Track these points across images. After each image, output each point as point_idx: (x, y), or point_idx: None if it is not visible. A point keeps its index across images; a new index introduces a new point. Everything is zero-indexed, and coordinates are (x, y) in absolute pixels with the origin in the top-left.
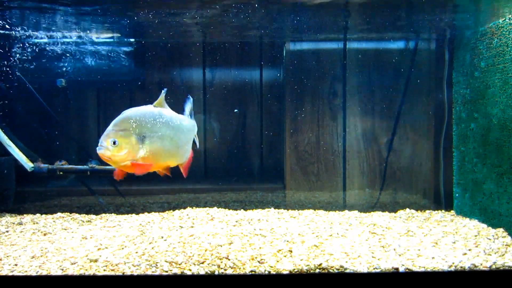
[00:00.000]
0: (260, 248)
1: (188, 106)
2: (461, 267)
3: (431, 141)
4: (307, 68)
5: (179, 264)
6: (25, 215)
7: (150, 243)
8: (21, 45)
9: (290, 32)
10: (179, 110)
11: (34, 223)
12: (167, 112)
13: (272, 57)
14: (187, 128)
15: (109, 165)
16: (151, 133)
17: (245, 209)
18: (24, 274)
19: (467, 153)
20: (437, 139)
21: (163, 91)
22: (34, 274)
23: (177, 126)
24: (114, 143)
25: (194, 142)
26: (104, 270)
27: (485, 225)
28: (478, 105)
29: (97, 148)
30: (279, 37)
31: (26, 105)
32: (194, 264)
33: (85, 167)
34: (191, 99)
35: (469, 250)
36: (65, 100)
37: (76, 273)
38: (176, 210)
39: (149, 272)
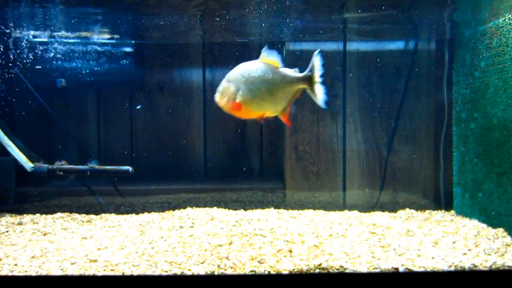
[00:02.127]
0: (260, 248)
1: (313, 62)
2: (461, 267)
3: (431, 141)
4: (307, 68)
5: (179, 264)
6: (25, 215)
7: (150, 243)
8: (21, 45)
9: (290, 32)
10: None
11: (34, 223)
12: (269, 66)
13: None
14: (288, 82)
15: (108, 165)
16: (244, 86)
17: (245, 209)
18: (24, 274)
19: (467, 153)
20: (437, 139)
21: (264, 48)
22: (34, 274)
23: (270, 80)
24: (219, 91)
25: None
26: (104, 270)
27: (485, 225)
28: (478, 105)
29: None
30: (279, 37)
31: (26, 105)
32: (194, 264)
33: (85, 167)
34: (319, 55)
35: (469, 250)
36: (65, 100)
37: (76, 273)
38: (176, 210)
39: (149, 272)
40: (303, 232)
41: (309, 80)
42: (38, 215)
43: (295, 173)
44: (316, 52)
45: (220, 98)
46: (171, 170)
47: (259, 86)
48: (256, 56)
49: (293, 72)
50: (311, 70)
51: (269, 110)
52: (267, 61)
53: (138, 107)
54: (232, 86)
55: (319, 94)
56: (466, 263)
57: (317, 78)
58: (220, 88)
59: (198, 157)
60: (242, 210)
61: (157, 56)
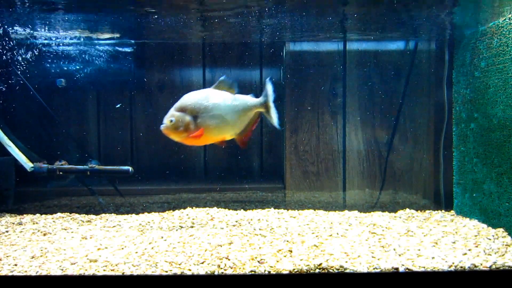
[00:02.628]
0: (260, 248)
1: (266, 88)
2: (461, 267)
3: (431, 141)
4: (307, 68)
5: (179, 264)
6: (25, 215)
7: (150, 243)
8: (21, 45)
9: (290, 32)
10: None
11: (34, 223)
12: (223, 94)
13: (272, 57)
14: (242, 107)
15: (108, 165)
16: (205, 113)
17: (245, 209)
18: (24, 274)
19: (467, 153)
20: (437, 139)
21: (222, 77)
22: (34, 274)
23: (231, 106)
24: (171, 121)
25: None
26: (104, 270)
27: (485, 225)
28: (478, 105)
29: (160, 126)
30: (279, 37)
31: (26, 105)
32: (194, 264)
33: (85, 167)
34: (270, 81)
35: (469, 250)
36: (65, 100)
37: (76, 273)
38: (176, 210)
39: (149, 272)
40: (303, 232)
41: (264, 105)
42: (38, 215)
43: (295, 173)
44: (267, 79)
45: (173, 128)
46: (171, 170)
47: (220, 112)
48: (256, 56)
49: (250, 98)
50: (266, 96)
51: (228, 134)
52: (223, 88)
53: (118, 105)
54: (187, 116)
55: (274, 117)
56: (466, 263)
57: (271, 102)
58: (170, 118)
59: (198, 157)
60: (242, 210)
61: (157, 56)
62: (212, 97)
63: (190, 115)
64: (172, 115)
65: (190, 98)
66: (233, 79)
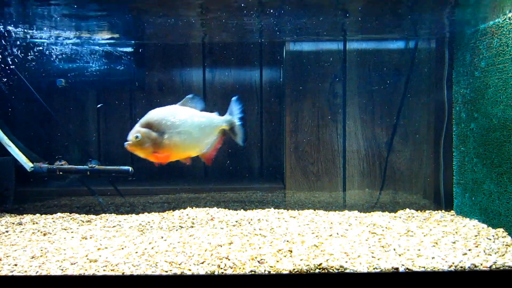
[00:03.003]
0: (260, 248)
1: (232, 106)
2: (461, 267)
3: (431, 141)
4: (307, 68)
5: (179, 264)
6: (25, 215)
7: (150, 243)
8: (21, 45)
9: (290, 32)
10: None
11: (34, 223)
12: (190, 110)
13: (272, 57)
14: (208, 124)
15: (108, 165)
16: (171, 130)
17: (245, 209)
18: (24, 274)
19: (467, 153)
20: (437, 139)
21: (189, 95)
22: (34, 274)
23: (197, 123)
24: (137, 137)
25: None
26: (104, 270)
27: (485, 225)
28: (478, 105)
29: (125, 143)
30: (279, 37)
31: (26, 105)
32: (194, 264)
33: (85, 167)
34: (236, 99)
35: (469, 250)
36: (65, 100)
37: (75, 273)
38: (176, 210)
39: (149, 272)
40: (303, 232)
41: (230, 123)
42: (38, 215)
43: (295, 173)
44: (234, 98)
45: (139, 145)
46: (171, 170)
47: (186, 129)
48: (256, 56)
49: (215, 116)
50: (231, 114)
51: (194, 151)
52: (190, 105)
53: (99, 105)
54: (153, 132)
55: (239, 134)
56: (466, 263)
57: (236, 121)
58: (136, 134)
59: (198, 157)
60: (242, 210)
61: (157, 56)
62: (178, 114)
63: (156, 131)
64: (137, 131)
65: (156, 114)
66: (200, 97)
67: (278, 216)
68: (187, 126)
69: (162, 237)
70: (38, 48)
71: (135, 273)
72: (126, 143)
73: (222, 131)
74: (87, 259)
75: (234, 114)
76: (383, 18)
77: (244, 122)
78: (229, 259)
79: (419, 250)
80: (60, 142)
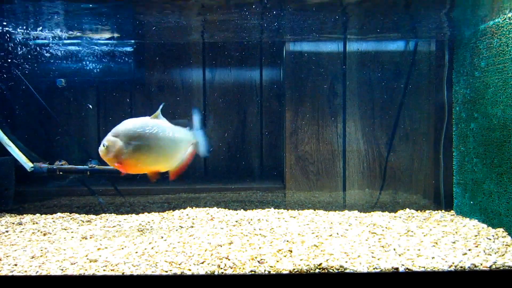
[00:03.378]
0: (260, 248)
1: (195, 118)
2: (461, 267)
3: (431, 141)
4: (307, 68)
5: (179, 264)
6: (25, 215)
7: (150, 243)
8: (21, 45)
9: (290, 32)
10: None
11: (34, 223)
12: (161, 124)
13: (272, 57)
14: (179, 140)
15: (108, 165)
16: (138, 142)
17: (245, 209)
18: (24, 274)
19: (467, 153)
20: (437, 139)
21: (160, 105)
22: (33, 274)
23: (167, 137)
24: (104, 145)
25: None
26: (104, 270)
27: (485, 225)
28: (478, 105)
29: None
30: (279, 37)
31: (26, 105)
32: (194, 264)
33: (85, 167)
34: (197, 111)
35: (469, 250)
36: (65, 100)
37: (76, 273)
38: (176, 210)
39: (149, 272)
40: (303, 232)
41: (196, 136)
42: (38, 215)
43: (295, 173)
44: (194, 110)
45: (105, 153)
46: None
47: (152, 142)
48: (256, 56)
49: (186, 132)
50: (195, 126)
51: (160, 167)
52: (159, 119)
53: (88, 106)
54: (120, 142)
55: (201, 146)
56: (466, 263)
57: (200, 132)
58: (104, 142)
59: (198, 157)
60: (242, 210)
61: (157, 55)
62: (149, 126)
63: (123, 141)
64: (106, 139)
65: (126, 125)
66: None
67: (278, 216)
68: (156, 140)
69: (162, 237)
70: (38, 47)
71: (135, 273)
72: (99, 149)
73: (193, 146)
74: (87, 259)
75: (197, 126)
76: (383, 18)
77: (205, 132)
78: (229, 259)
79: (419, 250)
80: (60, 142)
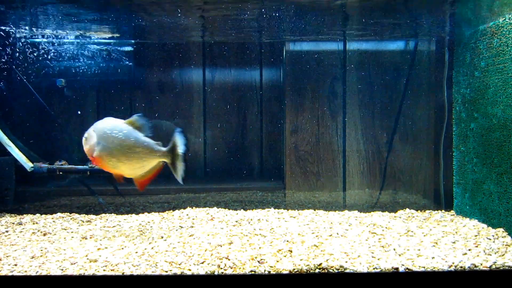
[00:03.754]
0: (260, 248)
1: (174, 139)
2: (461, 267)
3: (431, 141)
4: (307, 68)
5: (179, 264)
6: (25, 215)
7: (150, 243)
8: (21, 44)
9: (290, 32)
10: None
11: (34, 223)
12: (130, 131)
13: (272, 57)
14: (143, 152)
15: None
16: (104, 142)
17: (245, 209)
18: (24, 274)
19: (467, 153)
20: (437, 139)
21: (136, 115)
22: (33, 274)
23: (130, 146)
24: (84, 137)
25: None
26: (104, 270)
27: (485, 225)
28: (478, 105)
29: None
30: (279, 37)
31: (26, 105)
32: (194, 264)
33: (85, 167)
34: (180, 132)
35: (469, 250)
36: (65, 100)
37: (76, 273)
38: (176, 210)
39: (149, 272)
40: (303, 232)
41: (170, 156)
42: (38, 215)
43: (295, 173)
44: (178, 130)
45: (84, 144)
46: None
47: (118, 148)
48: (256, 56)
49: (155, 145)
50: (172, 147)
51: (125, 172)
52: (135, 125)
53: (78, 112)
54: (95, 138)
55: (179, 170)
56: (466, 263)
57: (179, 155)
58: (85, 134)
59: (198, 157)
60: (242, 210)
61: (157, 55)
62: (116, 131)
63: (96, 138)
64: (87, 132)
65: (102, 123)
66: (147, 119)
67: (278, 216)
68: (119, 146)
69: (162, 237)
70: (37, 47)
71: (135, 273)
72: None
73: (160, 163)
74: (87, 259)
75: (176, 148)
76: (383, 18)
77: (185, 158)
78: (229, 259)
79: (419, 250)
80: (60, 142)
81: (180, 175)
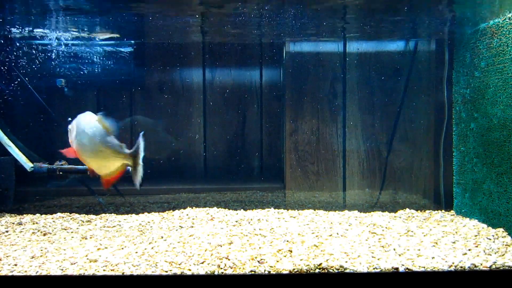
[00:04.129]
0: (260, 248)
1: (138, 143)
2: (461, 267)
3: (431, 141)
4: (307, 68)
5: (179, 264)
6: (25, 215)
7: (150, 243)
8: (20, 44)
9: (290, 32)
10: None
11: (34, 223)
12: (99, 130)
13: (272, 57)
14: (107, 152)
15: None
16: (77, 136)
17: (245, 209)
18: (24, 274)
19: (467, 153)
20: (437, 139)
21: (101, 113)
22: (34, 274)
23: (97, 145)
24: (68, 128)
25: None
26: (104, 270)
27: (485, 225)
28: (478, 105)
29: None
30: (279, 37)
31: (26, 105)
32: (194, 264)
33: (85, 167)
34: (142, 137)
35: (469, 250)
36: (65, 100)
37: (76, 273)
38: (176, 210)
39: (149, 272)
40: (303, 232)
41: (133, 160)
42: (38, 215)
43: (295, 173)
44: (141, 134)
45: (69, 135)
46: (171, 170)
47: (86, 143)
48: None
49: (119, 146)
50: (136, 151)
51: (94, 168)
52: (103, 124)
53: (69, 119)
54: (74, 131)
55: (138, 174)
56: (466, 263)
57: (140, 159)
58: (69, 126)
59: (198, 157)
60: (242, 210)
61: (157, 56)
62: (88, 128)
63: (75, 132)
64: (71, 124)
65: (83, 118)
66: (113, 120)
67: (278, 216)
68: (87, 141)
69: (162, 237)
70: (37, 48)
71: (135, 273)
72: None
73: (124, 165)
74: (87, 259)
75: (139, 152)
76: (383, 18)
77: (144, 163)
78: (229, 259)
79: (419, 250)
80: (60, 142)
81: (138, 181)
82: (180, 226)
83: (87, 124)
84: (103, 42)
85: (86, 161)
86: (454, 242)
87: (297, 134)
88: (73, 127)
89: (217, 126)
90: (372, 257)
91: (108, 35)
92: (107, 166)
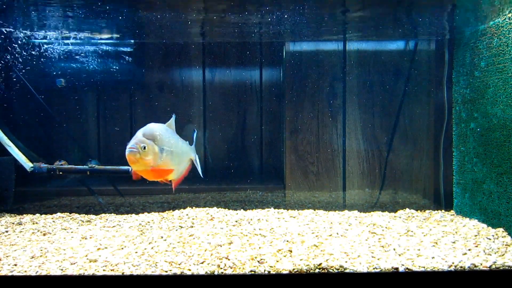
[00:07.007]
0: (260, 248)
1: (193, 137)
2: (461, 267)
3: (431, 141)
4: (306, 68)
5: (179, 264)
6: (24, 215)
7: (149, 243)
8: (21, 44)
9: (289, 32)
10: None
11: (33, 223)
12: (175, 135)
13: (272, 57)
14: (185, 151)
15: (108, 165)
16: (166, 147)
17: (245, 209)
18: (24, 274)
19: (467, 153)
20: (437, 139)
21: (173, 116)
22: (33, 274)
23: (180, 147)
24: (144, 148)
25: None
26: (104, 270)
27: (485, 225)
28: (478, 105)
29: (127, 150)
30: (279, 37)
31: (26, 105)
32: (194, 264)
33: (85, 167)
34: (196, 131)
35: (469, 250)
36: (65, 100)
37: (75, 273)
38: (176, 210)
39: (148, 272)
40: (303, 232)
41: (194, 154)
42: (38, 215)
43: (295, 173)
44: (195, 130)
45: (144, 156)
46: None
47: (178, 152)
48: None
49: (188, 144)
50: (194, 145)
51: (176, 173)
52: (171, 127)
53: (63, 125)
54: (156, 146)
55: (199, 166)
56: (466, 263)
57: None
58: (143, 144)
59: (198, 157)
60: (242, 210)
61: (157, 56)
62: (171, 134)
63: (158, 145)
64: (142, 141)
65: (157, 129)
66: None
67: (278, 216)
68: (177, 148)
69: (162, 237)
70: (37, 48)
71: (135, 273)
72: (130, 150)
73: (190, 160)
74: (87, 259)
75: (194, 144)
76: (383, 18)
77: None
78: (229, 259)
79: (419, 250)
80: (59, 142)
81: (200, 170)
82: (180, 226)
83: (165, 134)
84: (102, 42)
85: (169, 171)
86: (454, 242)
87: (297, 134)
88: (148, 144)
89: (217, 126)
90: (372, 257)
91: (107, 35)
92: (183, 168)
